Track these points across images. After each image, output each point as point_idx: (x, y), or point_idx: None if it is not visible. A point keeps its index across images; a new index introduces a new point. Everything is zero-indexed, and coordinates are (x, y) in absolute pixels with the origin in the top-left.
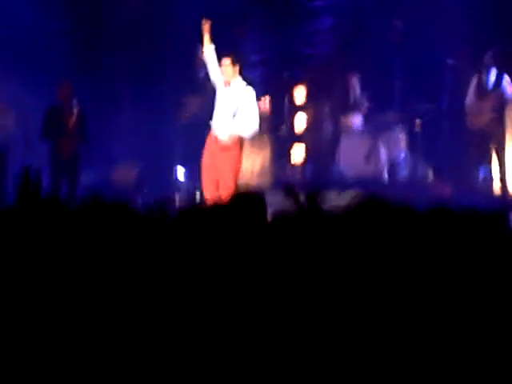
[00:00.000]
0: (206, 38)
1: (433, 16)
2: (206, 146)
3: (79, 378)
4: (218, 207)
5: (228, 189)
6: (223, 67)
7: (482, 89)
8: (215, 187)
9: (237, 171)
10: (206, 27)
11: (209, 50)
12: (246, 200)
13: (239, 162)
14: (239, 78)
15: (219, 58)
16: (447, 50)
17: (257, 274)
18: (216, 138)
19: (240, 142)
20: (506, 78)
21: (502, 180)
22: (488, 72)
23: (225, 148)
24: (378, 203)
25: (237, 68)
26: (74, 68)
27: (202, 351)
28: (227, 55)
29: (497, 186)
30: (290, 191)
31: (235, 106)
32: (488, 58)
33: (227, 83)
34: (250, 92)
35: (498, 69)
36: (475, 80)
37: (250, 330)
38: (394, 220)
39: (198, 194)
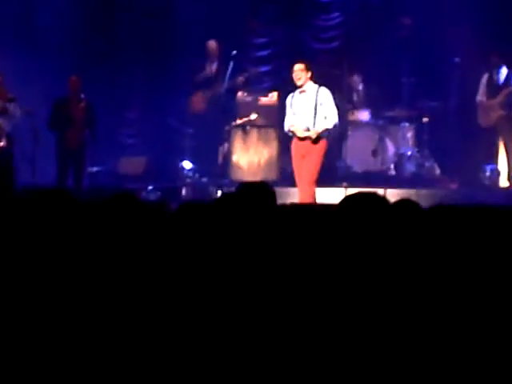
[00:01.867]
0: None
1: (441, 14)
2: (293, 152)
3: (79, 378)
4: (226, 197)
5: (312, 176)
6: (297, 73)
7: (492, 86)
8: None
9: (320, 164)
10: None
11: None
12: (256, 190)
13: (323, 155)
14: (311, 82)
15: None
16: (455, 48)
17: (259, 267)
18: (301, 140)
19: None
20: None
21: (510, 175)
22: (498, 70)
23: (313, 144)
24: (370, 197)
25: (310, 73)
26: (84, 59)
27: (201, 347)
28: (300, 61)
29: (503, 182)
30: None
31: (315, 106)
32: (495, 57)
33: (301, 88)
34: (326, 91)
35: (507, 67)
36: (485, 78)
37: (249, 325)
38: (392, 215)
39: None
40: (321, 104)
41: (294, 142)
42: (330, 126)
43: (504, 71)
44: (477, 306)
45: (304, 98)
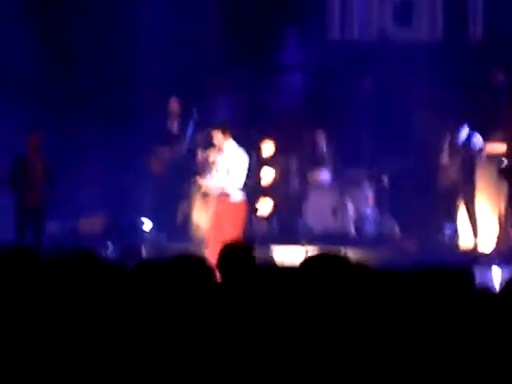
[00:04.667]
0: None
1: (402, 74)
2: (213, 209)
3: None
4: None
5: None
6: (216, 138)
7: (453, 145)
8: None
9: (241, 226)
10: None
11: None
12: (237, 252)
13: (243, 217)
14: (231, 141)
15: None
16: (416, 107)
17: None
18: (218, 198)
19: (243, 199)
20: (477, 135)
21: (473, 234)
22: (460, 129)
23: (229, 205)
24: (332, 259)
25: (228, 134)
26: (42, 118)
27: None
28: (217, 128)
29: (463, 242)
30: None
31: (228, 167)
32: (459, 116)
33: (220, 149)
34: (241, 153)
35: (469, 127)
36: (448, 137)
37: None
38: (349, 276)
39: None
40: (232, 166)
41: (214, 199)
42: (237, 187)
43: (465, 131)
44: (436, 363)
45: (222, 157)
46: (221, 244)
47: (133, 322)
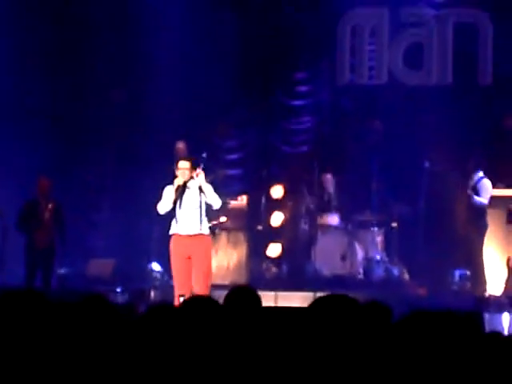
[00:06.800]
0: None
1: (411, 119)
2: (174, 250)
3: None
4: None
5: (204, 283)
6: (181, 170)
7: (463, 190)
8: (190, 285)
9: (210, 265)
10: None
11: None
12: (243, 296)
13: (211, 255)
14: (194, 181)
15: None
16: (424, 152)
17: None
18: (185, 237)
19: (210, 236)
20: (486, 182)
21: (479, 281)
22: (473, 176)
23: (199, 243)
24: (340, 302)
25: (193, 172)
26: (53, 161)
27: None
28: (186, 159)
29: (472, 287)
30: None
31: (200, 203)
32: (472, 162)
33: (185, 185)
34: (203, 180)
35: (483, 172)
36: (460, 183)
37: None
38: (361, 320)
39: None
40: (203, 195)
41: (176, 239)
42: (218, 207)
43: (476, 177)
44: None
45: (188, 194)
46: (192, 289)
47: (141, 366)
